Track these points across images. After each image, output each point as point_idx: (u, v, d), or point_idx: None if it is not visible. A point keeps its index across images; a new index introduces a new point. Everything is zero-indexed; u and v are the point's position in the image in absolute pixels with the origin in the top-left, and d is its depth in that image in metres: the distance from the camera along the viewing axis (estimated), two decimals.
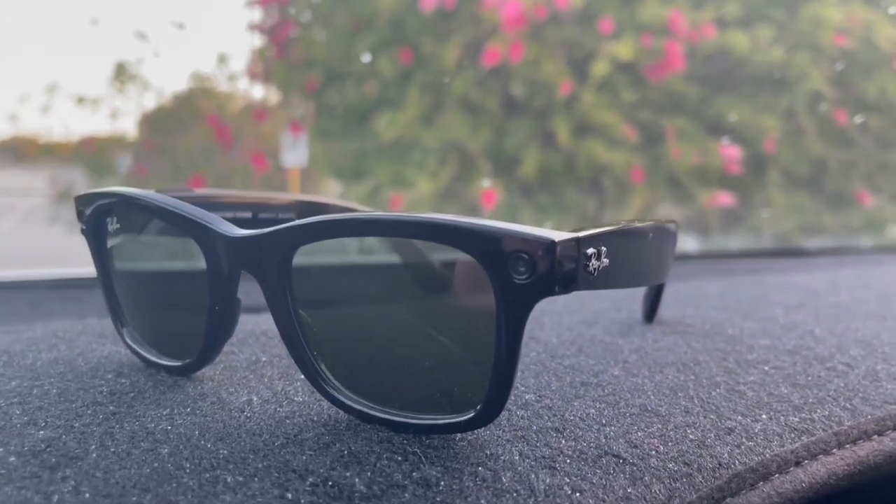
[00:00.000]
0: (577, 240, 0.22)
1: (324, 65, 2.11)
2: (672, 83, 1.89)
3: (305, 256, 0.25)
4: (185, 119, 2.38)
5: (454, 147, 1.92)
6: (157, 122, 2.42)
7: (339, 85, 2.10)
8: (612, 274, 0.24)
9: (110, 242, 0.31)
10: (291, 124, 2.22)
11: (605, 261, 0.23)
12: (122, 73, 2.34)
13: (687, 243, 1.92)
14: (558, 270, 0.22)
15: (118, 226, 0.30)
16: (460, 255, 0.23)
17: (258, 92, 2.51)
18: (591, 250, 0.23)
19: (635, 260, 0.27)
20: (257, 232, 0.26)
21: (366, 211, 0.24)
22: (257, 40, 2.33)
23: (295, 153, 2.20)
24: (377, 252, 0.26)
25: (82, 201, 0.31)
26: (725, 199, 1.93)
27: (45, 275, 0.58)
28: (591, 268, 0.23)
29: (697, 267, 0.70)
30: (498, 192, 1.84)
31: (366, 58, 1.97)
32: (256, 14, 2.25)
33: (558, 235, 0.22)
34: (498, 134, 1.94)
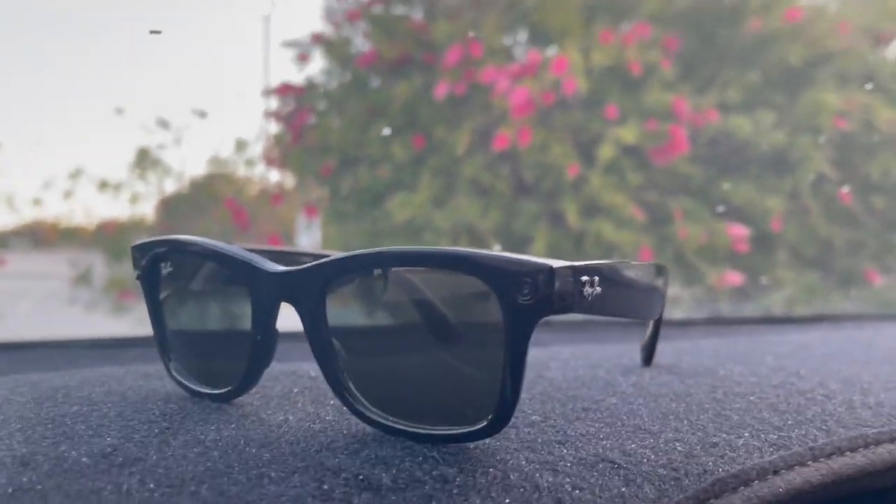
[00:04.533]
0: (574, 268, 0.26)
1: (338, 150, 2.19)
2: (677, 165, 1.95)
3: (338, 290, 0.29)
4: (203, 202, 2.46)
5: (465, 228, 1.97)
6: (175, 206, 2.49)
7: (353, 169, 2.17)
8: (605, 301, 0.28)
9: (163, 285, 0.35)
10: (306, 207, 2.29)
11: (598, 289, 0.27)
12: (143, 159, 2.42)
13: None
14: (557, 293, 0.25)
15: (170, 270, 0.34)
16: (471, 285, 0.27)
17: (274, 176, 2.59)
18: (585, 278, 0.26)
19: (626, 292, 0.31)
20: (297, 268, 0.30)
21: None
22: (274, 127, 2.42)
23: (309, 235, 2.27)
24: (400, 289, 0.30)
25: (140, 249, 0.35)
26: (734, 278, 1.95)
27: (82, 335, 0.62)
28: (585, 293, 0.26)
29: (701, 330, 0.74)
30: None
31: (386, 131, 2.05)
32: (273, 103, 2.34)
33: (557, 263, 0.25)
34: (508, 214, 2.00)
